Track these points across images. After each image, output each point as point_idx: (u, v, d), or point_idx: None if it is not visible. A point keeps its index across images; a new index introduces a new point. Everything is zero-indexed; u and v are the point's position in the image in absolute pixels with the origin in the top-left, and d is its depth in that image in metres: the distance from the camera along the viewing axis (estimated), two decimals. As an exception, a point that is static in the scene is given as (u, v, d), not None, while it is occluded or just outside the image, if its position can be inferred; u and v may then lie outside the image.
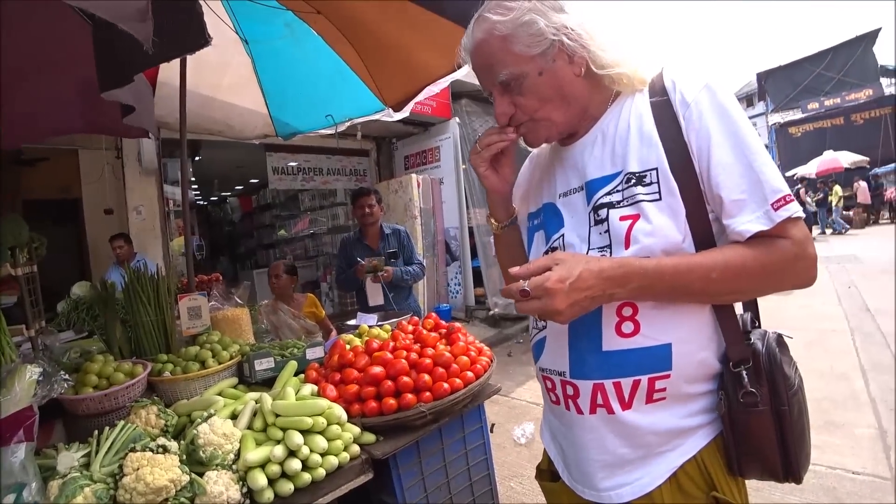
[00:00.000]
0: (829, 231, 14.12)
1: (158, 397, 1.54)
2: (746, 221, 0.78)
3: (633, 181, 0.85)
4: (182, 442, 1.25)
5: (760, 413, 0.81)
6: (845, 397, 3.49)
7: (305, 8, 2.19)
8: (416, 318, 1.97)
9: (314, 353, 1.85)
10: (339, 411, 1.35)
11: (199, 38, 1.06)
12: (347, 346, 1.70)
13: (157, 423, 1.34)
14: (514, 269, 0.79)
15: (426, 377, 1.47)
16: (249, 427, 1.36)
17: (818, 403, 3.38)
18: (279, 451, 1.20)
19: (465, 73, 1.52)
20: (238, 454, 1.23)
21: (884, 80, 20.83)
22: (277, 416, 1.33)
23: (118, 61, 1.14)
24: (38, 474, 1.06)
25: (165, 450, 1.12)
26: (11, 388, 1.11)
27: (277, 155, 6.52)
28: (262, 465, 1.19)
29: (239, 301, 2.25)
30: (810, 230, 13.68)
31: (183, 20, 1.05)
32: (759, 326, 0.91)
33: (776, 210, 0.77)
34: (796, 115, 22.37)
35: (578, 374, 0.89)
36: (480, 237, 6.79)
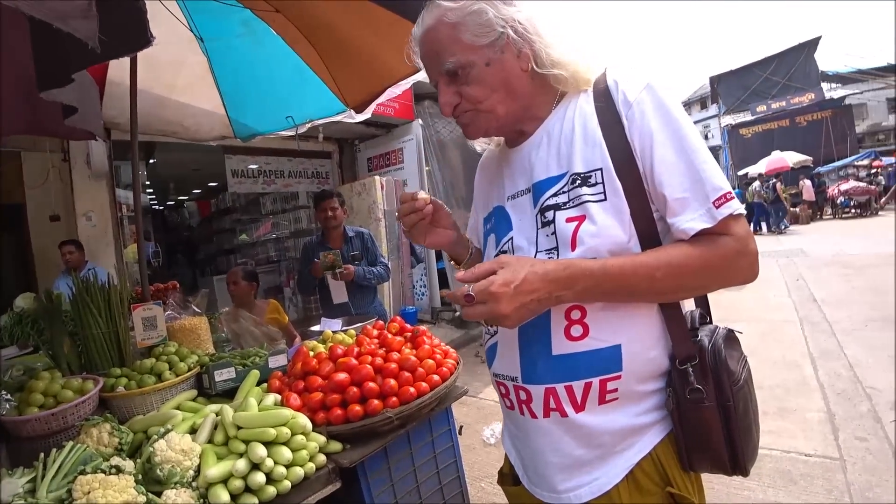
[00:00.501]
0: (773, 229, 14.77)
1: (112, 414, 1.46)
2: (690, 219, 0.80)
3: (579, 182, 0.86)
4: (138, 461, 1.20)
5: (707, 408, 0.82)
6: (797, 384, 3.67)
7: (264, 6, 2.14)
8: (381, 322, 1.95)
9: (277, 361, 1.80)
10: (303, 420, 1.32)
11: (141, 38, 1.01)
12: (311, 353, 1.67)
13: (110, 442, 1.28)
14: (460, 274, 0.79)
15: (392, 382, 1.45)
16: (210, 441, 1.31)
17: (772, 391, 3.56)
18: (242, 464, 1.16)
19: (428, 75, 1.51)
20: (198, 470, 1.18)
21: (824, 85, 22.19)
22: (239, 428, 1.29)
23: (58, 59, 1.08)
24: (-23, 503, 0.99)
25: (119, 470, 1.07)
26: (-56, 412, 1.03)
27: (237, 157, 6.34)
28: (224, 481, 1.15)
29: (197, 310, 2.17)
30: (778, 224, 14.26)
31: (124, 18, 1.00)
32: (710, 322, 0.93)
33: (718, 208, 0.79)
34: (746, 117, 23.53)
35: (530, 379, 0.89)
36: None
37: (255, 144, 3.31)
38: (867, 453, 2.63)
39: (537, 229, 0.90)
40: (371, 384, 1.44)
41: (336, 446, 1.36)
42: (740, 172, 20.43)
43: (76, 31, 0.84)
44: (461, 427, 1.80)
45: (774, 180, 15.01)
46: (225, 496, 1.11)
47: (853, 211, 15.91)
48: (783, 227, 14.55)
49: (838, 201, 16.37)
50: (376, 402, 1.41)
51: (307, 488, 1.25)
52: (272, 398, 1.46)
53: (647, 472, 0.86)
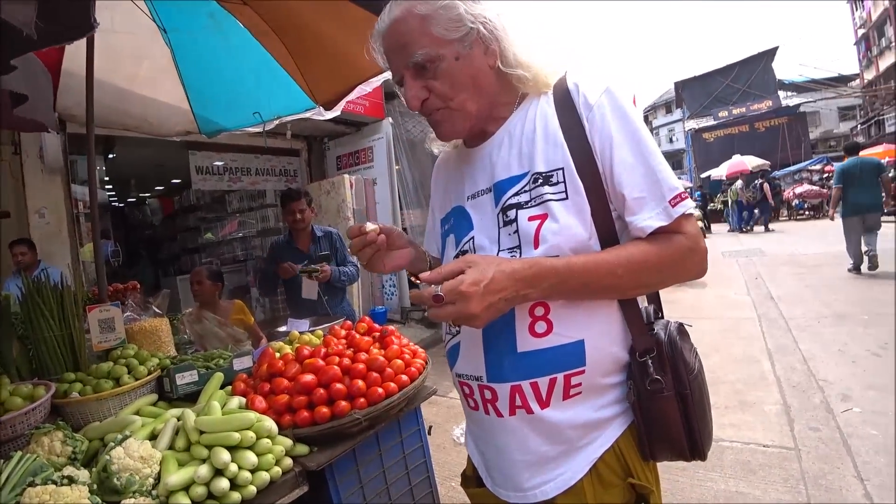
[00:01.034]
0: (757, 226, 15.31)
1: (65, 422, 1.39)
2: (647, 218, 0.83)
3: (541, 181, 0.87)
4: (93, 470, 1.14)
5: (666, 398, 0.85)
6: (756, 378, 3.83)
7: (230, -1, 2.09)
8: (349, 322, 1.92)
9: (242, 363, 1.75)
10: (269, 424, 1.29)
11: (84, 23, 0.96)
12: (277, 354, 1.63)
13: (62, 451, 1.21)
14: (425, 275, 0.78)
15: (360, 383, 1.43)
16: (171, 447, 1.27)
17: (733, 385, 3.70)
18: (204, 470, 1.12)
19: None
20: (158, 478, 1.13)
21: (781, 93, 23.23)
22: (202, 432, 1.25)
23: (-1, 46, 1.01)
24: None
25: (72, 480, 1.02)
26: None
27: (201, 154, 6.14)
28: (186, 488, 1.11)
29: (158, 310, 2.10)
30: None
31: (67, 3, 0.94)
32: (662, 317, 0.96)
33: (673, 206, 0.82)
34: (709, 121, 24.40)
35: (495, 378, 0.89)
36: (415, 238, 6.74)
37: (221, 141, 3.23)
38: (820, 443, 2.76)
39: (499, 228, 0.91)
40: (338, 385, 1.41)
41: (303, 449, 1.33)
42: (703, 175, 21.16)
43: (11, 16, 0.79)
44: (430, 427, 1.79)
45: (761, 180, 15.56)
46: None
47: (807, 213, 16.74)
48: (764, 224, 15.10)
49: (793, 204, 17.17)
50: (344, 403, 1.39)
51: (274, 493, 1.22)
52: (236, 401, 1.41)
53: (609, 465, 0.88)
